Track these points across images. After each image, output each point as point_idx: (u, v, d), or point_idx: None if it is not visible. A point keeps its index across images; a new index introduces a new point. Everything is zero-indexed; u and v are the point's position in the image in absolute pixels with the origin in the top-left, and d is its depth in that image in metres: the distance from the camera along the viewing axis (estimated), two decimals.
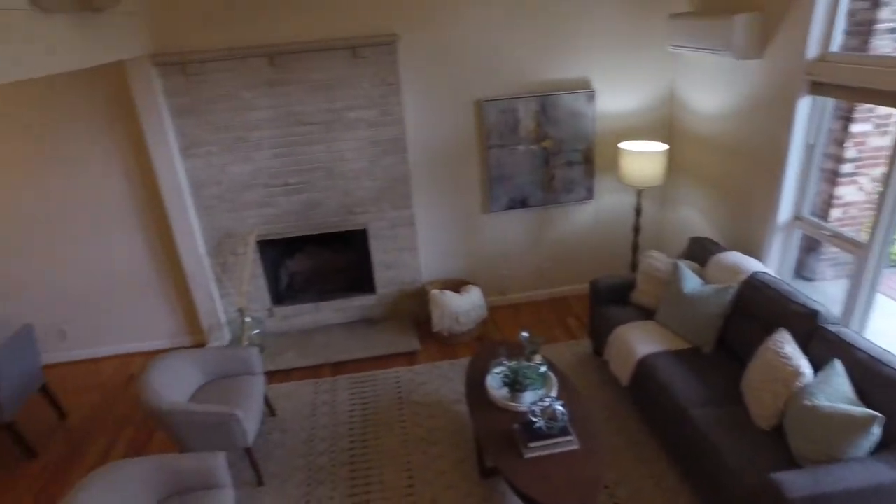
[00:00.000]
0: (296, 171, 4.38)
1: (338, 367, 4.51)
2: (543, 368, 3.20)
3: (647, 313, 3.93)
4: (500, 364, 3.27)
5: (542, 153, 4.64)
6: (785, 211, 3.63)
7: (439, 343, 4.72)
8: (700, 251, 3.96)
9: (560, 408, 2.77)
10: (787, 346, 2.89)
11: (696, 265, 3.85)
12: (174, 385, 3.43)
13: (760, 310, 3.27)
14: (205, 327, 4.79)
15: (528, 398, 3.08)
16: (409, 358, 4.56)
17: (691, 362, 3.40)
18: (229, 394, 3.51)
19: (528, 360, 3.28)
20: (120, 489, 2.68)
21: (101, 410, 4.32)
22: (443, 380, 4.26)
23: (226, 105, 4.14)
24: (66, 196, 4.41)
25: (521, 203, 4.80)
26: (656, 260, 3.98)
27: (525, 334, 3.34)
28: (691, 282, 3.63)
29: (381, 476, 3.45)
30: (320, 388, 4.26)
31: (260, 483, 3.44)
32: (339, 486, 3.40)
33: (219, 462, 2.84)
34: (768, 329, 3.15)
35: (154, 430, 4.04)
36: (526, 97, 4.44)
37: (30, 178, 4.32)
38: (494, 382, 3.23)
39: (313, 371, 4.49)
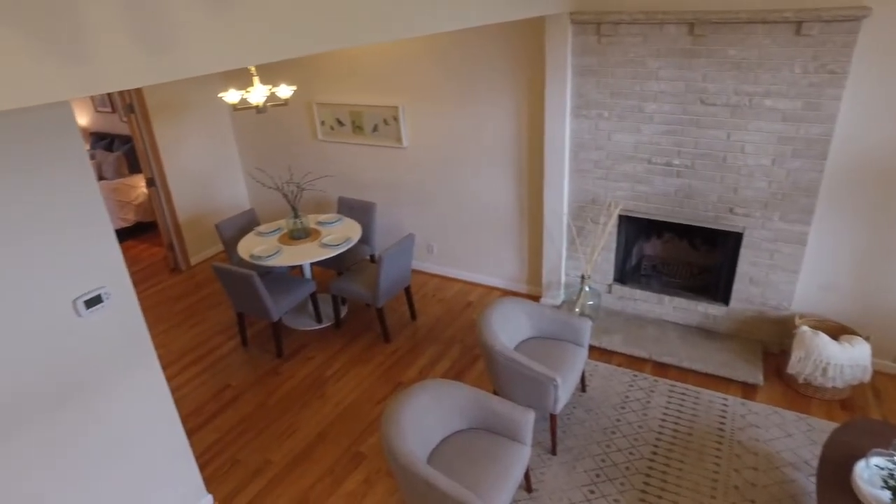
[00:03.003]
0: (683, 152, 4.02)
1: (661, 368, 4.18)
2: None
3: None
4: (888, 457, 2.51)
5: None
6: None
7: (788, 387, 3.94)
8: None
9: None
10: None
11: None
12: (507, 329, 3.62)
13: None
14: (544, 282, 4.95)
15: None
16: (746, 390, 3.93)
17: None
18: (552, 356, 3.55)
19: None
20: (441, 403, 2.99)
21: (441, 323, 4.91)
22: (781, 431, 3.57)
23: (628, 71, 3.98)
24: (467, 132, 4.95)
25: None
26: None
27: None
28: None
29: None
30: (637, 383, 4.02)
31: (553, 452, 3.45)
32: (627, 493, 3.18)
33: (528, 419, 2.90)
34: None
35: (477, 358, 4.41)
36: None
37: (445, 110, 4.95)
38: (868, 476, 2.51)
39: (635, 362, 4.25)
